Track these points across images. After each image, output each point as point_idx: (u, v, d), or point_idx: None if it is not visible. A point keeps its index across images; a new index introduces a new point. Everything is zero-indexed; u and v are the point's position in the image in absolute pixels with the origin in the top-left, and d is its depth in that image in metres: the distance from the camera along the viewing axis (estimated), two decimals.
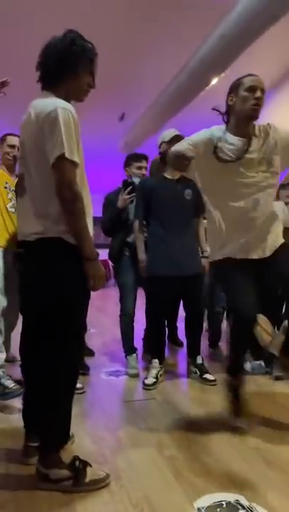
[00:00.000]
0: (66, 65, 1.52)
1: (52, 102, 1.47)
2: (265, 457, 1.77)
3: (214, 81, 4.93)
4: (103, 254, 2.83)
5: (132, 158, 3.18)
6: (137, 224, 2.89)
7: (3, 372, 2.50)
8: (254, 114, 1.97)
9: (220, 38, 4.26)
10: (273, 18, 3.70)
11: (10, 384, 2.44)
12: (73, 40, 1.54)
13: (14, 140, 2.63)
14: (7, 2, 4.76)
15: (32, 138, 1.50)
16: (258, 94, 1.94)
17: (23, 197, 1.59)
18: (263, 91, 1.96)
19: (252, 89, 1.94)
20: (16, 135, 2.59)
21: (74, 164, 1.45)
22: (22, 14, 5.01)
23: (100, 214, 3.00)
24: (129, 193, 2.88)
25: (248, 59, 4.70)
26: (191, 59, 5.08)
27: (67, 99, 1.53)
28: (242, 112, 1.97)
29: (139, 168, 3.12)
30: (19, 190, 1.63)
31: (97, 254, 1.52)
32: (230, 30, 4.10)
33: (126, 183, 2.97)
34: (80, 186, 1.47)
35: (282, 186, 3.55)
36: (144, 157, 3.19)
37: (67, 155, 1.42)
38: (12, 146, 2.67)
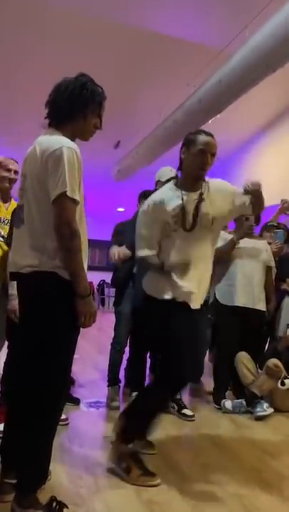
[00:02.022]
0: (75, 107, 1.58)
1: (58, 140, 1.51)
2: (244, 504, 1.76)
3: (210, 121, 5.12)
4: (95, 276, 2.86)
5: (144, 196, 3.20)
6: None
7: None
8: (199, 176, 2.00)
9: (217, 83, 4.45)
10: (269, 70, 3.89)
11: None
12: (84, 84, 1.60)
13: (11, 164, 2.59)
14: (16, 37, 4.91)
15: (35, 172, 1.53)
16: (206, 159, 1.96)
17: (19, 228, 1.61)
18: (213, 154, 1.98)
19: (202, 152, 1.96)
20: (12, 159, 2.59)
21: (74, 202, 1.49)
22: (30, 47, 5.17)
23: (93, 236, 3.02)
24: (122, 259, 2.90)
25: (242, 102, 4.91)
26: (189, 99, 5.28)
27: (73, 138, 1.58)
28: (189, 173, 2.02)
29: None
30: (16, 220, 1.64)
31: (91, 291, 1.54)
32: (227, 76, 4.29)
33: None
34: (78, 224, 1.50)
35: (267, 228, 3.65)
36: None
37: (68, 193, 1.45)
38: (9, 170, 2.60)
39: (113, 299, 3.33)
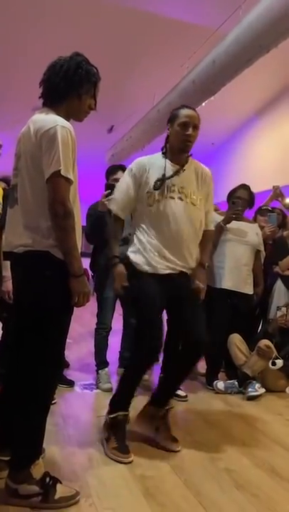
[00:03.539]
0: (70, 86, 1.56)
1: (52, 119, 1.49)
2: (235, 480, 1.80)
3: (204, 103, 5.07)
4: (85, 262, 2.85)
5: (108, 171, 3.17)
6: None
7: None
8: (185, 148, 2.09)
9: (211, 64, 4.40)
10: (263, 50, 3.84)
11: None
12: (79, 63, 1.58)
13: None
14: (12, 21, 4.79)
15: (29, 152, 1.52)
16: (190, 131, 2.04)
17: (13, 207, 1.60)
18: (195, 126, 2.06)
19: (184, 124, 2.04)
20: None
21: (68, 181, 1.48)
22: (23, 30, 5.06)
23: (84, 223, 3.00)
24: (107, 196, 2.82)
25: (235, 86, 4.87)
26: (182, 81, 5.21)
27: (67, 118, 1.57)
28: (174, 146, 2.10)
29: (115, 180, 3.01)
30: (11, 200, 1.63)
31: (84, 271, 1.54)
32: (221, 57, 4.24)
33: (107, 186, 2.96)
34: (72, 203, 1.49)
35: (260, 211, 3.66)
36: (121, 168, 3.13)
37: (62, 172, 1.44)
38: None
39: None
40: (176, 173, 2.09)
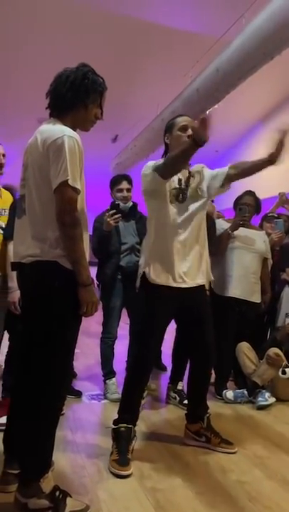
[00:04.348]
0: (77, 97, 1.57)
1: (59, 129, 1.50)
2: (247, 491, 1.76)
3: (208, 111, 5.08)
4: (92, 271, 2.87)
5: (112, 182, 3.14)
6: None
7: None
8: None
9: (214, 72, 4.42)
10: (267, 57, 3.85)
11: None
12: (86, 73, 1.59)
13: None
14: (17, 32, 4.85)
15: (36, 162, 1.52)
16: (190, 132, 2.05)
17: (21, 218, 1.60)
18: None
19: (184, 128, 2.09)
20: None
21: (76, 191, 1.48)
22: (28, 42, 5.13)
23: (92, 231, 3.00)
24: (112, 215, 2.83)
25: (239, 93, 4.88)
26: (186, 89, 5.24)
27: (74, 128, 1.58)
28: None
29: (120, 190, 3.07)
30: (18, 211, 1.63)
31: (92, 281, 1.53)
32: (224, 65, 4.25)
33: (112, 206, 2.97)
34: (79, 213, 1.49)
35: (267, 218, 3.64)
36: (124, 178, 3.13)
37: (70, 182, 1.45)
38: None
39: None
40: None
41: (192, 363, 2.29)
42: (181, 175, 2.12)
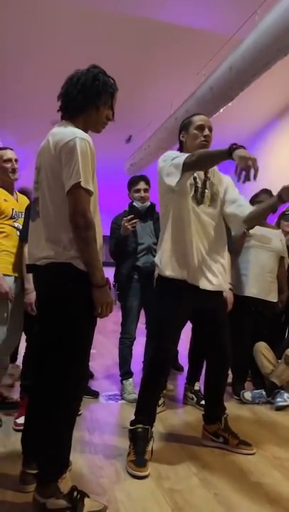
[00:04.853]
0: (88, 98, 1.58)
1: (71, 132, 1.51)
2: (266, 493, 1.74)
3: (222, 109, 5.05)
4: (111, 271, 2.90)
5: (130, 183, 3.15)
6: None
7: None
8: (204, 149, 2.06)
9: (228, 70, 4.38)
10: (281, 53, 3.80)
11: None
12: (96, 75, 1.59)
13: (9, 153, 2.47)
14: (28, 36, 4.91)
15: (49, 165, 1.53)
16: (206, 132, 2.08)
17: (35, 221, 1.61)
18: (210, 129, 2.11)
19: (201, 127, 2.08)
20: (8, 148, 2.51)
21: (88, 193, 1.49)
22: (39, 45, 5.19)
23: (106, 232, 3.01)
24: (130, 220, 2.85)
25: (254, 90, 4.83)
26: (200, 88, 5.21)
27: (86, 130, 1.59)
28: (192, 148, 2.06)
29: (137, 191, 3.08)
30: (32, 213, 1.65)
31: (107, 281, 1.53)
32: (238, 63, 4.21)
33: (130, 208, 2.97)
34: (92, 214, 1.50)
35: (284, 216, 3.58)
36: (142, 178, 3.13)
37: (82, 184, 1.45)
38: (8, 160, 2.46)
39: None
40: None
41: (208, 364, 2.27)
42: (197, 174, 2.10)
